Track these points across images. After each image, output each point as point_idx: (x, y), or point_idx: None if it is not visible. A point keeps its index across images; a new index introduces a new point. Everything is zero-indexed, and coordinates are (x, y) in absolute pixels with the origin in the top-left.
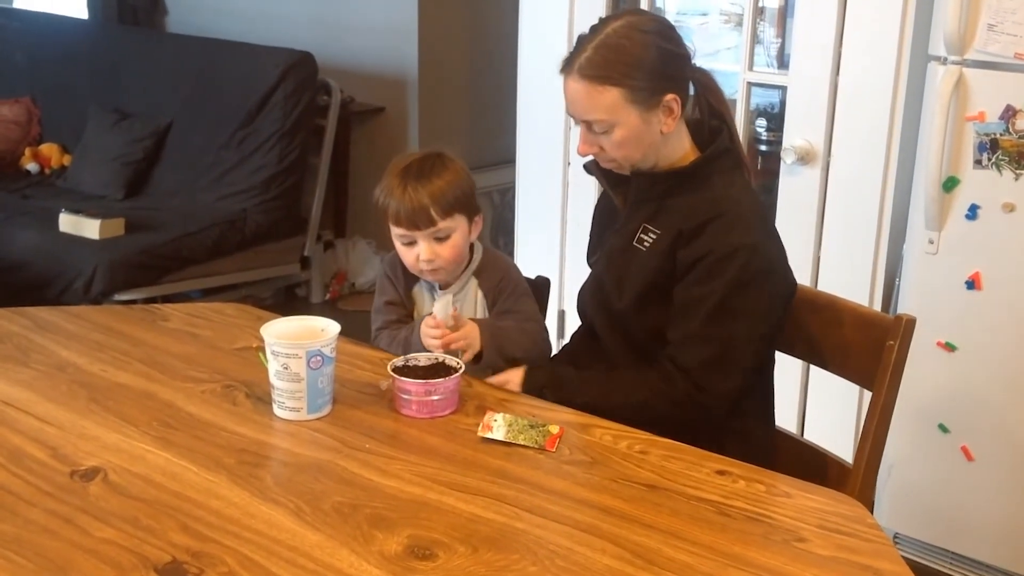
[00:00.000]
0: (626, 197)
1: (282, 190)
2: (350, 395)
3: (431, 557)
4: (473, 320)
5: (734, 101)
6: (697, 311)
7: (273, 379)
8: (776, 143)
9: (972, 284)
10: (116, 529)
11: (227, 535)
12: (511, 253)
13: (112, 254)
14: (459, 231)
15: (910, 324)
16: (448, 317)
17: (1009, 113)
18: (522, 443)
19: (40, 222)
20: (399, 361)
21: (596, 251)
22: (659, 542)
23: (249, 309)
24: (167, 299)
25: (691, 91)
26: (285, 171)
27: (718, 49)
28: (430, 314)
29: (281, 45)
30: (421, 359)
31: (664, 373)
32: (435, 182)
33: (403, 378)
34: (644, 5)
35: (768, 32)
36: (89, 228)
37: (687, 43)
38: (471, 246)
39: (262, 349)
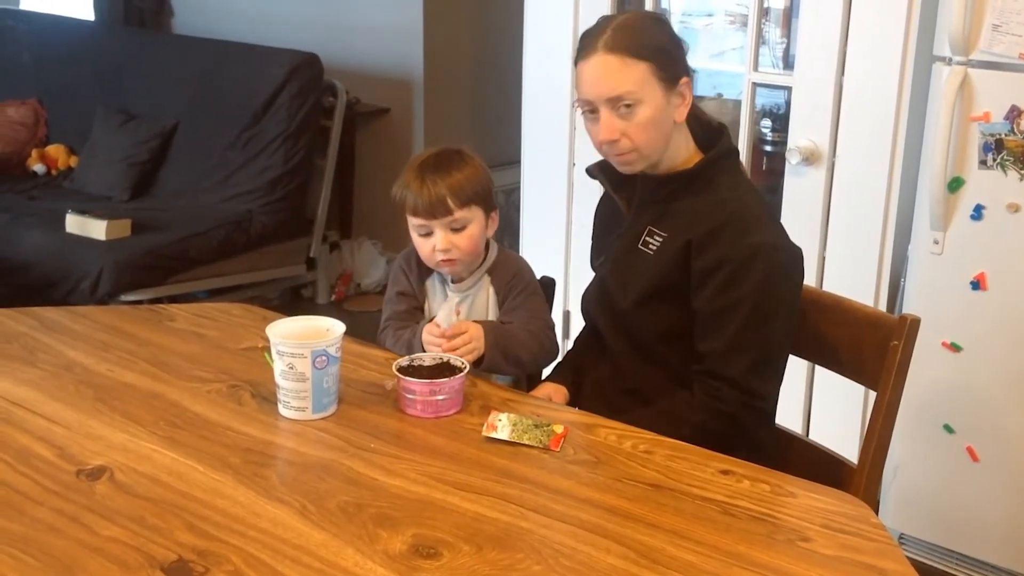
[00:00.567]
0: (630, 200)
1: (288, 191)
2: (355, 395)
3: (436, 556)
4: (477, 322)
5: (739, 101)
6: (731, 319)
7: (278, 379)
8: (781, 144)
9: (977, 284)
10: (122, 528)
11: (233, 534)
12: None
13: (118, 255)
14: (476, 223)
15: (914, 324)
16: (449, 330)
17: (1014, 113)
18: (526, 443)
19: (47, 223)
20: (404, 361)
21: (599, 254)
22: (663, 541)
23: (255, 309)
24: (173, 300)
25: None
26: (291, 172)
27: (723, 50)
28: (432, 319)
29: (287, 46)
30: (426, 359)
31: (709, 390)
32: (454, 175)
33: (408, 378)
34: (649, 6)
35: (774, 33)
36: (95, 229)
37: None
38: (487, 245)
39: (267, 349)
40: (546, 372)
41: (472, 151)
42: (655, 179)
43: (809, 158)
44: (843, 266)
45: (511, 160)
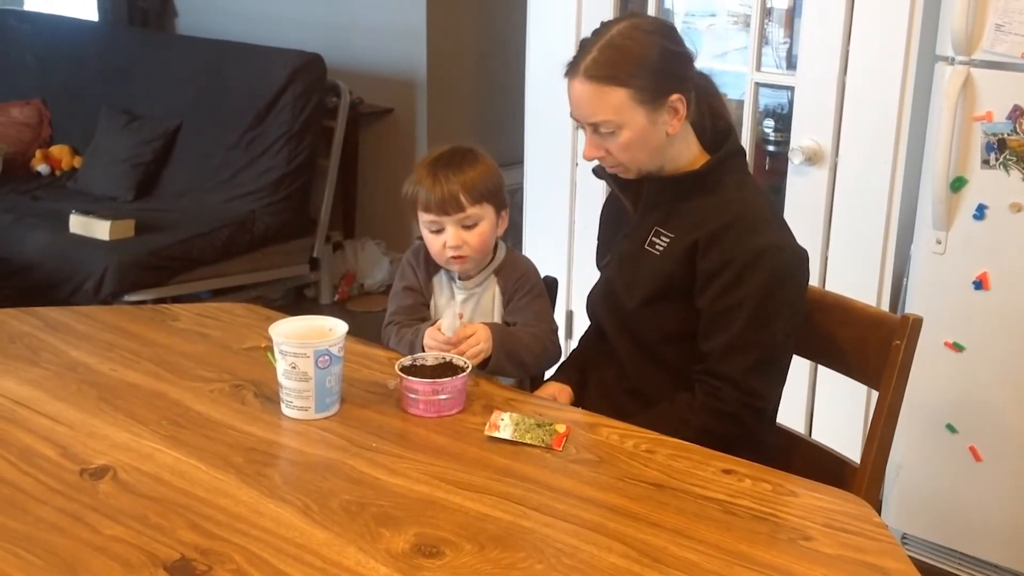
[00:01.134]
0: (636, 200)
1: (291, 191)
2: (358, 394)
3: (438, 555)
4: (484, 324)
5: (742, 102)
6: (734, 320)
7: (281, 378)
8: (784, 143)
9: (980, 284)
10: (125, 527)
11: (235, 533)
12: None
13: (122, 255)
14: (487, 220)
15: (917, 323)
16: (454, 338)
17: (1017, 113)
18: (529, 442)
19: (51, 223)
20: (407, 360)
21: (605, 254)
22: (666, 540)
23: (258, 309)
24: (177, 300)
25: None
26: (294, 172)
27: (727, 50)
28: (435, 322)
29: (290, 47)
30: (428, 358)
31: (709, 390)
32: (467, 172)
33: (410, 377)
34: (652, 6)
35: (777, 33)
36: (99, 229)
37: (688, 45)
38: (495, 245)
39: (270, 349)
40: (550, 372)
41: (483, 150)
42: (661, 180)
43: (812, 158)
44: (846, 266)
45: (514, 160)
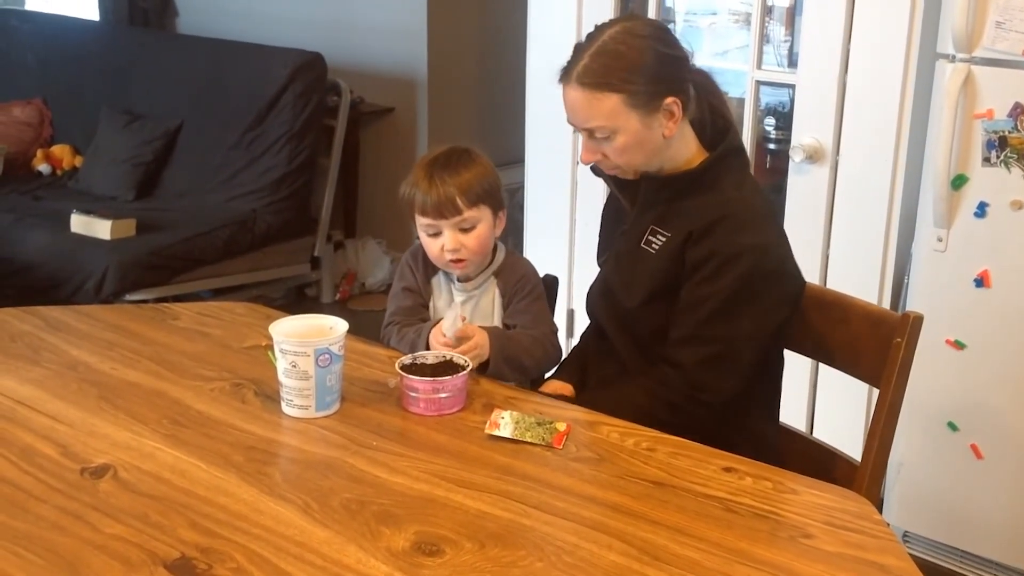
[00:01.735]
0: (633, 199)
1: (292, 190)
2: (358, 393)
3: (438, 553)
4: (483, 328)
5: (743, 100)
6: (699, 310)
7: (282, 377)
8: (785, 142)
9: (981, 282)
10: (126, 526)
11: (236, 531)
12: (520, 253)
13: (123, 255)
14: (484, 222)
15: (917, 321)
16: (454, 336)
17: (1017, 111)
18: (529, 440)
19: (52, 223)
20: (407, 359)
21: (605, 251)
22: (666, 538)
23: (259, 308)
24: (178, 299)
25: (691, 92)
26: (295, 171)
27: (728, 49)
28: (439, 322)
29: (291, 46)
30: (429, 357)
31: (660, 375)
32: (463, 174)
33: (411, 376)
34: (653, 5)
35: (778, 31)
36: (100, 229)
37: (684, 45)
38: (494, 247)
39: (271, 347)
40: (551, 371)
41: (480, 150)
42: (658, 180)
43: (813, 156)
44: (847, 264)
45: (515, 159)
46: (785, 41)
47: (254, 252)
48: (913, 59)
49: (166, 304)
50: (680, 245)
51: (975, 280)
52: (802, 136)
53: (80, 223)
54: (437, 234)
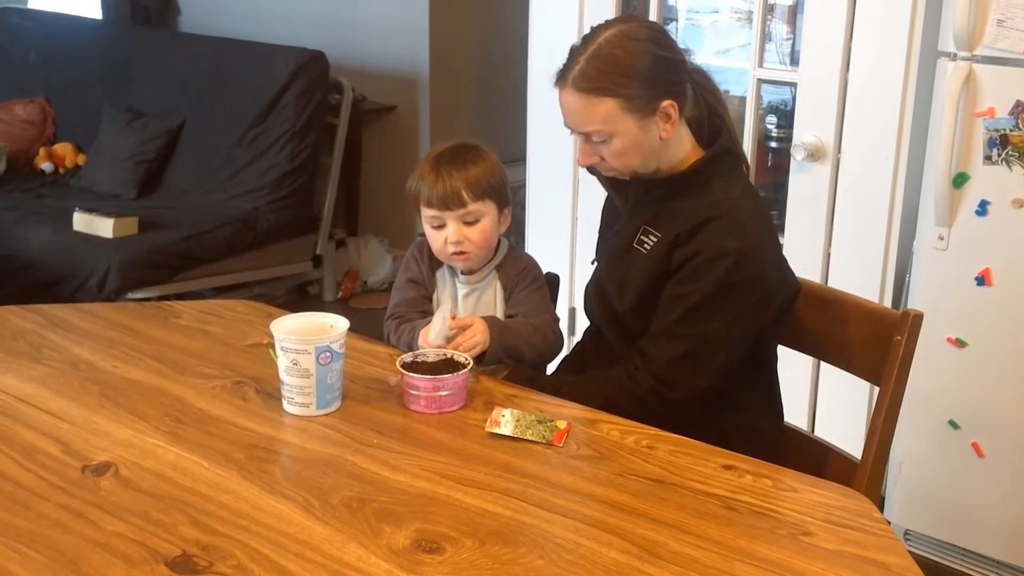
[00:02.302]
0: (627, 198)
1: (294, 189)
2: (359, 391)
3: (438, 551)
4: (482, 317)
5: (745, 98)
6: (675, 308)
7: (283, 375)
8: (787, 140)
9: (982, 280)
10: (127, 523)
11: (237, 529)
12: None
13: (125, 253)
14: (488, 217)
15: (917, 319)
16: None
17: (1019, 109)
18: (530, 438)
19: (54, 221)
20: (408, 357)
21: (600, 251)
22: (666, 536)
23: (260, 306)
24: (180, 297)
25: (689, 92)
26: (297, 170)
27: (730, 47)
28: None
29: (293, 44)
30: (430, 355)
31: (629, 368)
32: (470, 168)
33: (412, 374)
34: (653, 3)
35: (781, 29)
36: (103, 227)
37: (681, 45)
38: (498, 242)
39: (272, 345)
40: (552, 367)
41: (487, 147)
42: (649, 180)
43: (814, 154)
44: (849, 262)
45: (517, 157)
46: (787, 39)
47: (256, 250)
48: (914, 57)
49: (167, 302)
50: (669, 246)
51: (976, 278)
52: (803, 134)
53: (82, 221)
54: (441, 226)
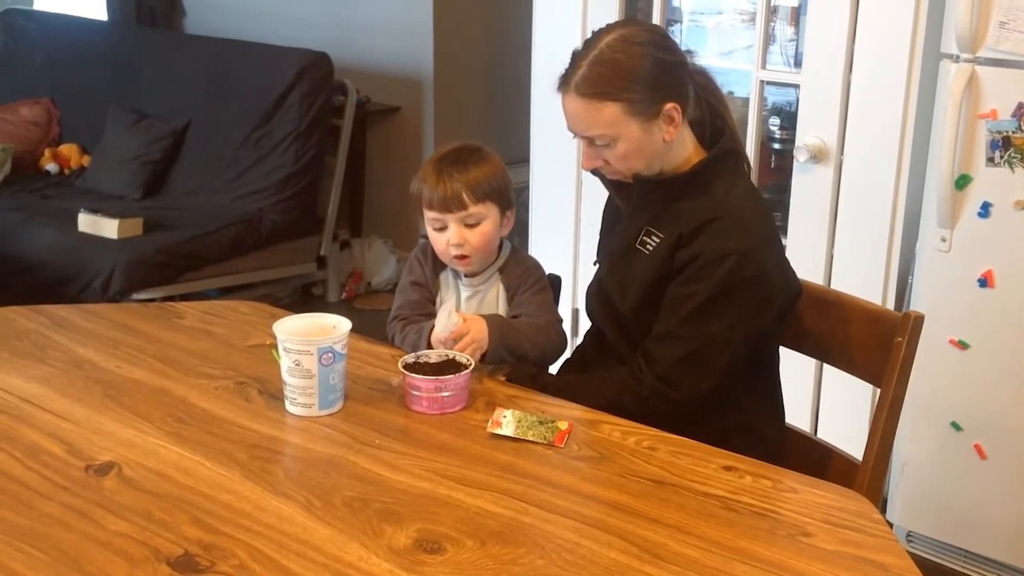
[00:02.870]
0: (630, 199)
1: (298, 190)
2: (361, 391)
3: (439, 551)
4: (483, 316)
5: (746, 99)
6: (679, 309)
7: (285, 375)
8: (790, 142)
9: (985, 282)
10: (129, 522)
11: (238, 528)
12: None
13: (130, 254)
14: (490, 220)
15: (918, 321)
16: (449, 338)
17: (1021, 111)
18: (531, 439)
19: (59, 222)
20: (410, 358)
21: (602, 252)
22: (665, 536)
23: (263, 307)
24: (185, 298)
25: (691, 94)
26: (301, 171)
27: (733, 48)
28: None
29: (297, 45)
30: (432, 356)
31: (633, 369)
32: (471, 170)
33: (413, 375)
34: (657, 4)
35: (786, 31)
36: (107, 228)
37: (684, 47)
38: (500, 245)
39: (275, 346)
40: (554, 368)
41: (492, 149)
42: (652, 181)
43: (817, 156)
44: (851, 264)
45: (521, 159)
46: (792, 41)
47: (260, 251)
48: (917, 59)
49: (171, 303)
50: (671, 247)
51: (979, 280)
52: (806, 136)
53: (87, 222)
54: (443, 228)
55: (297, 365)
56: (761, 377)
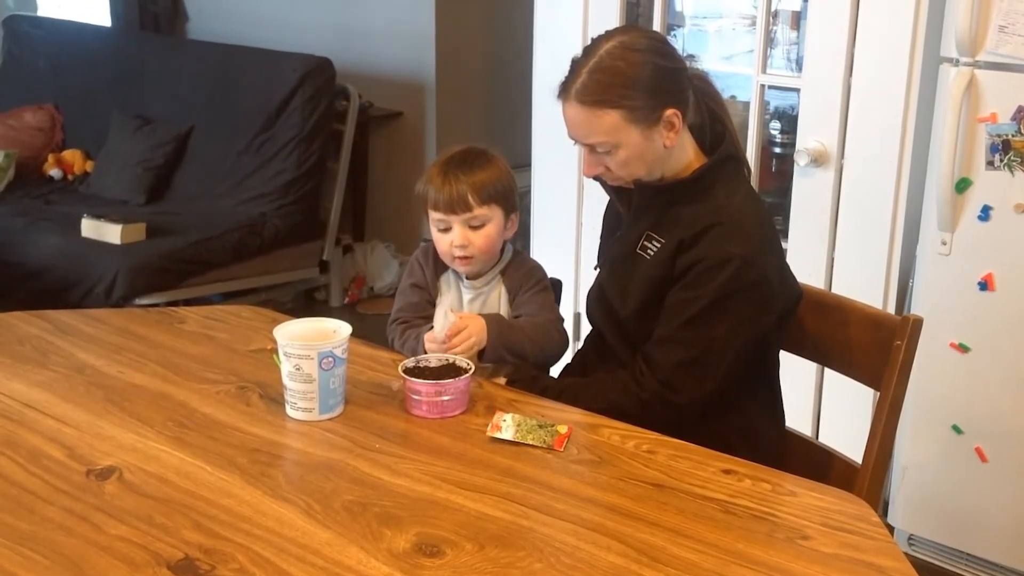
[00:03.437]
0: (630, 204)
1: (301, 194)
2: (362, 396)
3: (439, 554)
4: (482, 315)
5: (747, 103)
6: (680, 314)
7: (286, 380)
8: (791, 145)
9: (985, 285)
10: (130, 527)
11: (239, 533)
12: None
13: (133, 259)
14: (494, 222)
15: (917, 324)
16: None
17: (1021, 114)
18: (530, 443)
19: (63, 227)
20: (410, 362)
21: (602, 256)
22: (664, 540)
23: (265, 312)
24: (188, 303)
25: (691, 99)
26: (304, 176)
27: (735, 53)
28: (431, 327)
29: (300, 51)
30: (432, 360)
31: (634, 372)
32: (477, 173)
33: (414, 379)
34: (657, 9)
35: (788, 35)
36: (111, 233)
37: (686, 52)
38: (502, 247)
39: (276, 350)
40: (555, 371)
41: (497, 153)
42: (653, 187)
43: (817, 159)
44: (852, 267)
45: (522, 163)
46: (795, 44)
47: (263, 256)
48: (917, 63)
49: (173, 308)
50: (672, 252)
51: (979, 283)
52: (807, 140)
53: (91, 227)
54: (447, 229)
55: (298, 369)
56: (761, 381)
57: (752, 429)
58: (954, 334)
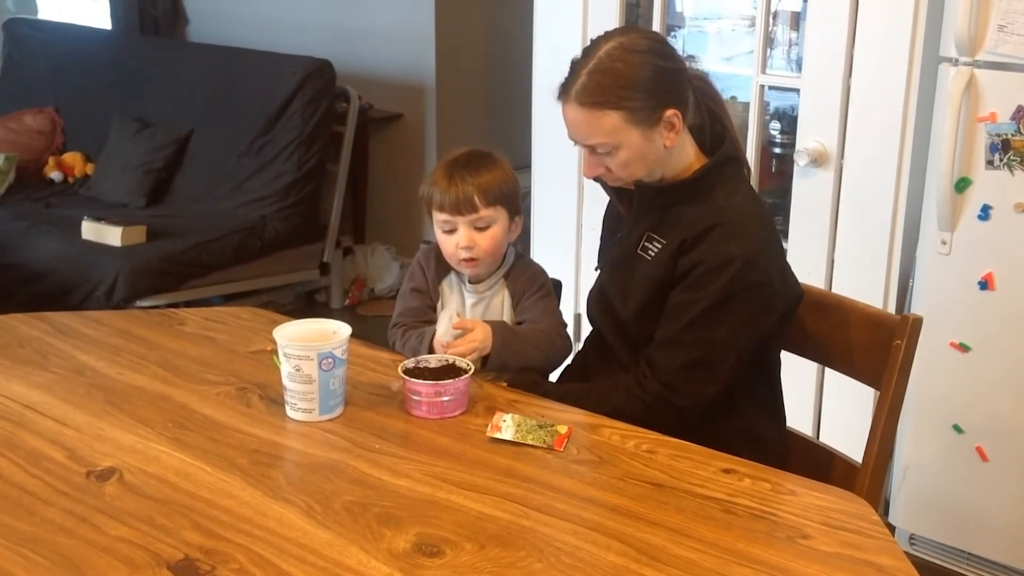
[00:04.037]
0: (631, 205)
1: (301, 197)
2: (361, 396)
3: (439, 554)
4: (487, 321)
5: (747, 104)
6: (682, 316)
7: (286, 381)
8: (791, 146)
9: (985, 284)
10: (130, 528)
11: (239, 533)
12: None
13: (134, 261)
14: (499, 224)
15: (917, 323)
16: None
17: (1020, 114)
18: (530, 443)
19: (63, 230)
20: (410, 363)
21: (603, 257)
22: (664, 539)
23: (265, 313)
24: (188, 305)
25: (691, 99)
26: (304, 178)
27: (734, 53)
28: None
29: (300, 53)
30: (431, 361)
31: (637, 375)
32: (482, 174)
33: (413, 380)
34: (657, 10)
35: (788, 35)
36: (111, 235)
37: (686, 52)
38: (505, 251)
39: (276, 351)
40: (556, 374)
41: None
42: (654, 188)
43: (817, 160)
44: (852, 267)
45: (523, 164)
46: (794, 45)
47: (264, 258)
48: (916, 63)
49: (173, 309)
50: (674, 254)
51: (979, 283)
52: (806, 140)
53: (91, 230)
54: (452, 231)
55: (297, 370)
56: (762, 382)
57: (753, 430)
58: (954, 334)
